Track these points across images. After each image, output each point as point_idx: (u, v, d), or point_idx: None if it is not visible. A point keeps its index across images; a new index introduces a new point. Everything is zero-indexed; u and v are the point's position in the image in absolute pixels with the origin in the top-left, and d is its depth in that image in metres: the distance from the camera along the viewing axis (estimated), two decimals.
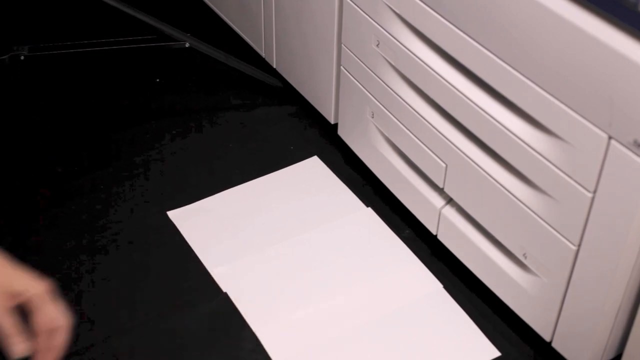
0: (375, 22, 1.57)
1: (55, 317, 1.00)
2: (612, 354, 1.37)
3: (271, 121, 1.99)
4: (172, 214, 1.71)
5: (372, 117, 1.68)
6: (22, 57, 1.91)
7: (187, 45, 1.99)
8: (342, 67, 1.74)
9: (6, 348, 0.97)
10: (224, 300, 1.54)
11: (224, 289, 1.56)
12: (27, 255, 1.61)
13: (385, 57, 1.57)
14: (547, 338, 1.41)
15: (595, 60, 1.13)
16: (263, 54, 2.08)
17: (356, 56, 1.67)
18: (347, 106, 1.77)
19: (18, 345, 0.97)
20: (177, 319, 1.51)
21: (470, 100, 1.39)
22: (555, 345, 1.40)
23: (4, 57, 1.90)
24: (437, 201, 1.58)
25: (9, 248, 1.64)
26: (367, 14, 1.58)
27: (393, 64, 1.56)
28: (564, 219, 1.28)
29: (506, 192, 1.38)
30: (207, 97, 2.06)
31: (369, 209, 1.73)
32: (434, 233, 1.61)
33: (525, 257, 1.38)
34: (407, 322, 1.50)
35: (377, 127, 1.69)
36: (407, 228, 1.70)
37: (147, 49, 2.03)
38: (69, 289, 1.56)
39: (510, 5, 1.24)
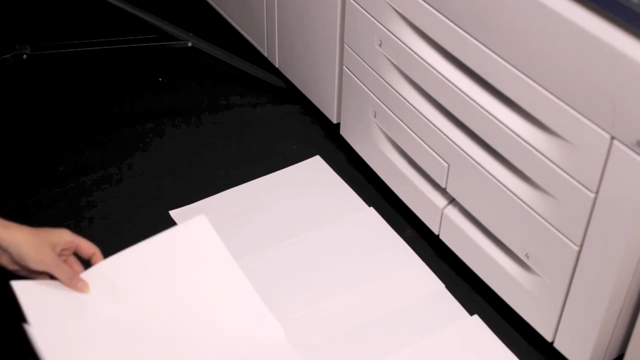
0: (378, 21, 1.56)
1: (91, 245, 1.33)
2: (614, 354, 1.37)
3: (273, 121, 1.99)
4: (174, 213, 1.71)
5: (375, 117, 1.68)
6: (25, 56, 1.91)
7: (189, 44, 1.99)
8: (344, 67, 1.73)
9: (73, 288, 1.28)
10: None
11: None
12: None
13: (388, 56, 1.57)
14: (549, 338, 1.41)
15: (598, 60, 1.13)
16: (265, 54, 2.08)
17: (358, 56, 1.67)
18: (350, 106, 1.77)
19: (80, 282, 1.30)
20: None
21: (472, 100, 1.39)
22: (557, 345, 1.40)
23: (6, 56, 1.90)
24: (440, 201, 1.58)
25: None
26: (369, 14, 1.58)
27: (395, 63, 1.56)
28: (566, 219, 1.28)
29: (508, 192, 1.37)
30: (209, 97, 2.07)
31: (371, 208, 1.73)
32: (436, 233, 1.61)
33: (528, 257, 1.38)
34: (409, 322, 1.50)
35: (379, 126, 1.69)
36: (409, 228, 1.70)
37: (149, 48, 2.03)
38: None
39: (513, 5, 1.24)
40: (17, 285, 1.26)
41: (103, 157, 1.86)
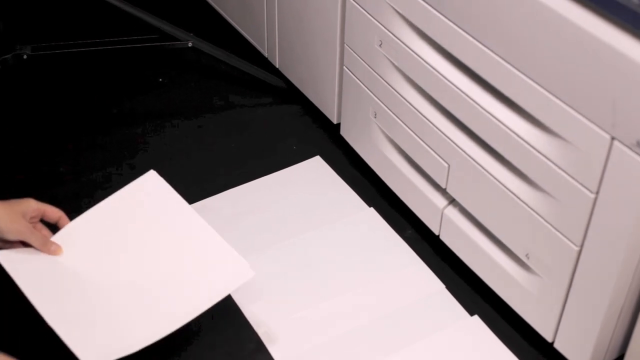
0: (378, 22, 1.57)
1: (56, 209, 1.41)
2: (614, 355, 1.37)
3: (274, 121, 1.99)
4: None
5: (375, 117, 1.68)
6: (25, 57, 1.91)
7: (190, 44, 2.00)
8: (344, 67, 1.73)
9: (47, 252, 1.37)
10: (226, 300, 1.54)
11: None
12: None
13: (388, 57, 1.57)
14: (549, 339, 1.41)
15: (598, 61, 1.13)
16: (266, 54, 2.08)
17: (359, 56, 1.67)
18: (350, 106, 1.77)
19: (53, 246, 1.38)
20: None
21: (473, 101, 1.39)
22: (557, 345, 1.40)
23: (7, 56, 1.90)
24: (440, 201, 1.58)
25: None
26: (370, 14, 1.58)
27: (396, 64, 1.56)
28: (567, 220, 1.28)
29: (508, 192, 1.37)
30: (209, 97, 2.07)
31: (372, 209, 1.73)
32: (437, 233, 1.61)
33: (528, 258, 1.38)
34: (409, 322, 1.50)
35: (379, 127, 1.69)
36: (409, 228, 1.70)
37: (150, 48, 2.03)
38: None
39: (513, 5, 1.24)
40: (1, 255, 1.34)
41: (103, 157, 1.86)
